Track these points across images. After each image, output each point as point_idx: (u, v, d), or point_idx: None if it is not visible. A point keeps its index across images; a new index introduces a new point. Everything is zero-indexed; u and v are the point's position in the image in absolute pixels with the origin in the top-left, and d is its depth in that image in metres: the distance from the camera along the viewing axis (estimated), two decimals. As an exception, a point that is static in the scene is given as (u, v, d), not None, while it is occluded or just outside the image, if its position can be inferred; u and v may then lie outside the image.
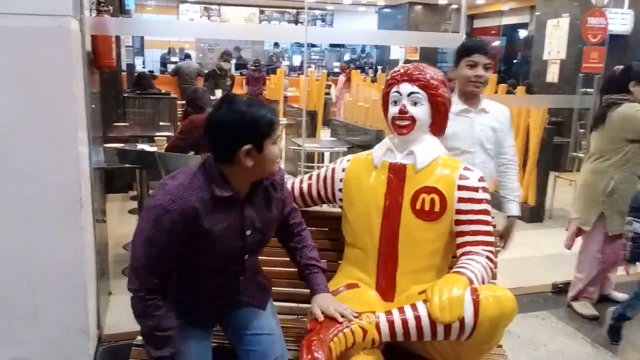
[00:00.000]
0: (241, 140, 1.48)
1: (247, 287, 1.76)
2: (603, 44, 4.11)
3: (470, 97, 2.48)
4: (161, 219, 1.45)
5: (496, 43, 14.51)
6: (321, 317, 1.65)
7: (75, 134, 2.17)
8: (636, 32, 7.56)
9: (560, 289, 3.60)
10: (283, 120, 7.39)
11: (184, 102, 5.85)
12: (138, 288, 1.51)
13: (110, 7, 2.98)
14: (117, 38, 5.24)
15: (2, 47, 2.03)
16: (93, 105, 2.56)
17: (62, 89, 2.12)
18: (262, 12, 15.74)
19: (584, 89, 3.87)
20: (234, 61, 14.26)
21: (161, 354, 1.54)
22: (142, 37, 13.48)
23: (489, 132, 2.50)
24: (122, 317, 2.76)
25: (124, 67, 7.16)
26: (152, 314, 1.53)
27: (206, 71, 9.95)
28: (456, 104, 2.40)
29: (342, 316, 1.64)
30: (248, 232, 1.61)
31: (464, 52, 2.47)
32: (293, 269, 2.16)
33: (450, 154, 2.06)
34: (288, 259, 2.02)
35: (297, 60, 16.24)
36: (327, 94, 9.79)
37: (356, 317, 1.65)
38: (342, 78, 10.35)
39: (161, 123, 5.82)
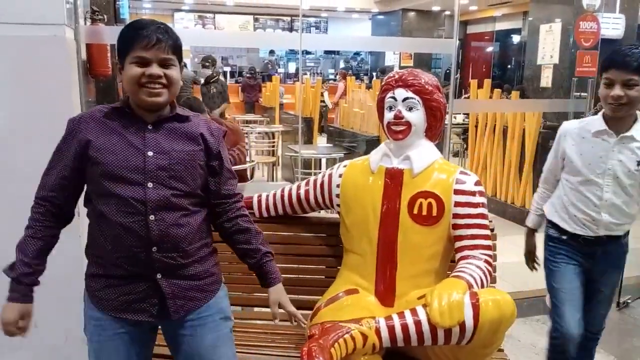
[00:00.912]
0: (117, 56, 1.52)
1: (181, 278, 1.56)
2: (596, 48, 4.13)
3: (614, 118, 2.03)
4: (66, 129, 1.55)
5: (489, 49, 14.60)
6: (277, 320, 1.71)
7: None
8: (628, 36, 7.61)
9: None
10: (279, 127, 7.40)
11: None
12: (35, 195, 1.59)
13: (105, 16, 2.98)
14: (112, 47, 5.24)
15: (-2, 56, 2.03)
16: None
17: (58, 97, 2.11)
18: (256, 19, 15.77)
19: (578, 93, 3.89)
20: (227, 68, 14.31)
21: (9, 271, 1.53)
22: (136, 46, 13.47)
23: (631, 165, 2.03)
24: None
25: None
26: (31, 223, 1.57)
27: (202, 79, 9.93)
28: (595, 123, 2.07)
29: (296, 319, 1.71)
30: (150, 153, 1.49)
31: (601, 67, 2.08)
32: (292, 276, 2.16)
33: (574, 181, 2.12)
34: (287, 265, 2.02)
35: (292, 68, 16.28)
36: (322, 101, 9.82)
37: (357, 323, 1.65)
38: (341, 85, 10.39)
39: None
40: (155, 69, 1.46)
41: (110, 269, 1.54)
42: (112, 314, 1.56)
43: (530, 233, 2.49)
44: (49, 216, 1.58)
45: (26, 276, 1.53)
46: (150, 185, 1.48)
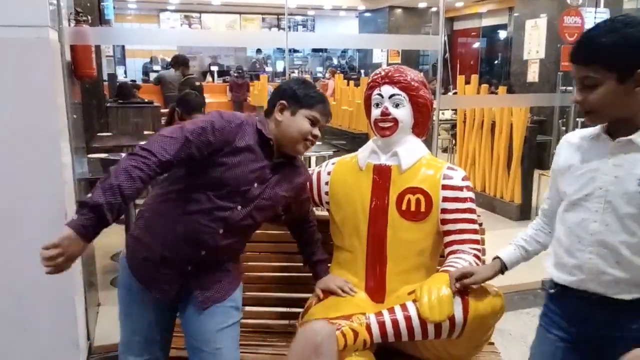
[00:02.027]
0: (284, 96, 1.72)
1: (210, 271, 1.69)
2: (581, 43, 4.18)
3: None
4: (213, 118, 1.62)
5: (476, 45, 14.67)
6: (321, 295, 1.83)
7: (57, 145, 2.15)
8: (613, 30, 7.69)
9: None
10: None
11: (166, 110, 5.83)
12: (147, 148, 1.51)
13: (89, 17, 2.96)
14: (97, 48, 5.21)
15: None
16: (75, 116, 2.54)
17: (42, 99, 2.10)
18: (263, 19, 15.71)
19: (564, 87, 3.92)
20: (215, 67, 14.23)
21: (96, 200, 1.40)
22: (123, 47, 13.39)
23: (630, 184, 1.31)
24: (112, 329, 2.71)
25: (105, 77, 7.11)
26: (137, 165, 1.46)
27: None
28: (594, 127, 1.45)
29: (342, 290, 1.81)
30: (256, 186, 1.66)
31: None
32: (284, 274, 2.17)
33: (561, 208, 1.47)
34: (279, 263, 2.03)
35: (280, 66, 16.25)
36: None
37: (351, 292, 1.77)
38: (331, 83, 10.39)
39: (145, 132, 5.78)
40: (318, 131, 1.73)
41: (151, 248, 1.65)
42: (141, 284, 1.68)
43: (494, 264, 1.65)
44: (151, 174, 1.50)
45: (106, 220, 1.41)
46: (239, 208, 1.64)
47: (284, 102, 1.70)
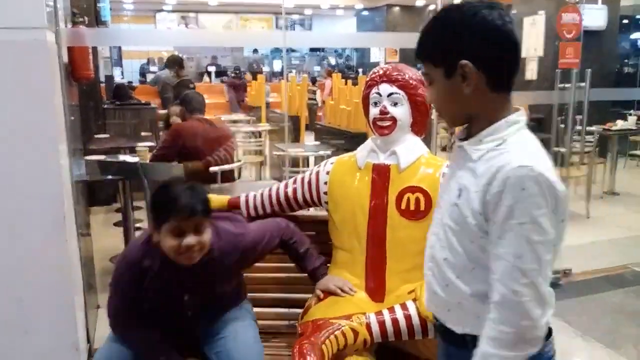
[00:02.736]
0: (151, 218, 1.68)
1: (212, 319, 1.88)
2: (578, 40, 4.16)
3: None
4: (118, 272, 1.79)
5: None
6: (321, 296, 1.83)
7: (55, 147, 2.14)
8: (610, 27, 7.69)
9: (553, 284, 3.63)
10: (266, 126, 7.38)
11: (165, 111, 5.82)
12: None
13: (86, 18, 2.95)
14: (94, 49, 5.19)
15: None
16: (72, 117, 2.53)
17: (40, 101, 2.09)
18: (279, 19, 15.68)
19: (562, 84, 3.91)
20: (213, 68, 14.22)
21: None
22: (119, 48, 13.38)
23: (452, 193, 1.18)
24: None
25: (102, 78, 7.10)
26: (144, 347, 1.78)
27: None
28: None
29: (342, 290, 1.79)
30: (186, 297, 1.76)
31: None
32: (284, 274, 2.17)
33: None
34: (278, 264, 2.04)
35: (277, 66, 16.25)
36: (312, 98, 9.81)
37: (351, 291, 1.77)
38: (328, 82, 10.39)
39: (142, 133, 5.77)
40: (190, 239, 1.60)
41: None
42: None
43: None
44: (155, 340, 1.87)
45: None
46: (189, 314, 1.83)
47: (153, 223, 1.67)
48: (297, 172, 5.49)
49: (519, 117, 1.12)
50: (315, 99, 10.12)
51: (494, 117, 1.11)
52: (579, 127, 4.34)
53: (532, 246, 1.02)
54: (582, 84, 3.83)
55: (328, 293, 1.82)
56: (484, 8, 1.08)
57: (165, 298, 1.75)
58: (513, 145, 1.09)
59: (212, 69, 14.26)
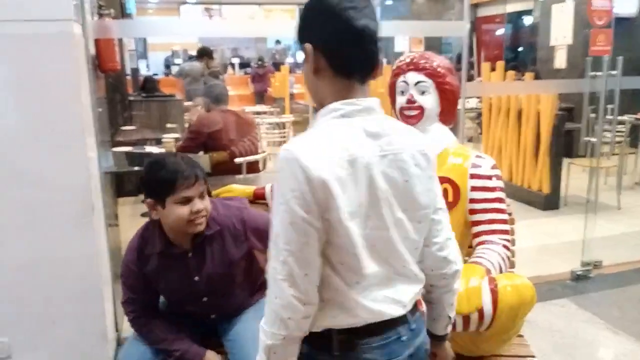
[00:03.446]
0: (146, 194, 1.67)
1: (228, 309, 1.89)
2: (609, 27, 4.04)
3: None
4: (123, 268, 1.82)
5: (501, 31, 14.40)
6: None
7: (83, 139, 2.16)
8: (643, 13, 7.46)
9: (579, 277, 3.56)
10: (289, 118, 7.38)
11: (189, 102, 5.85)
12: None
13: (112, 11, 2.97)
14: (120, 42, 5.24)
15: (7, 54, 2.03)
16: (100, 109, 2.55)
17: (68, 93, 2.11)
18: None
19: (594, 73, 3.80)
20: (237, 59, 14.25)
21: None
22: (145, 41, 13.51)
23: None
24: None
25: (128, 71, 7.17)
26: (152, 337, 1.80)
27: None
28: None
29: None
30: (196, 279, 1.75)
31: None
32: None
33: None
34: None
35: (301, 57, 16.21)
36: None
37: None
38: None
39: (168, 125, 5.82)
40: (199, 204, 1.65)
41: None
42: None
43: None
44: (157, 315, 1.92)
45: (195, 349, 1.83)
46: (205, 299, 1.84)
47: (149, 200, 1.67)
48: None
49: (341, 106, 1.09)
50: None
51: (331, 103, 1.11)
52: (610, 117, 4.22)
53: (285, 226, 1.03)
54: (613, 72, 3.71)
55: None
56: None
57: (174, 282, 1.76)
58: (308, 131, 1.10)
59: (235, 60, 14.29)
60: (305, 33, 1.12)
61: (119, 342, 2.59)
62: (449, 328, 1.35)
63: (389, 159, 1.09)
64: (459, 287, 1.31)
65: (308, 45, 1.10)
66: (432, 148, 1.76)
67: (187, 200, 1.63)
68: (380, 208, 1.08)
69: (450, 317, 1.32)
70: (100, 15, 2.69)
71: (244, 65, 14.05)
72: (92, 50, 2.48)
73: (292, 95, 9.63)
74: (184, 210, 1.62)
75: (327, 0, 1.08)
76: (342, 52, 1.09)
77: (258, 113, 8.33)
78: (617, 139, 5.55)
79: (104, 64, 2.65)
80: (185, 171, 1.62)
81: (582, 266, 3.62)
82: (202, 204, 1.65)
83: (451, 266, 1.24)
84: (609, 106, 4.13)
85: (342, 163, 1.03)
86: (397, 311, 1.13)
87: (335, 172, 1.02)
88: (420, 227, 1.16)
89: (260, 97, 11.58)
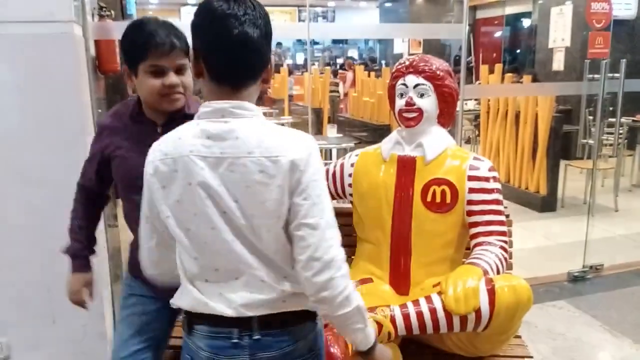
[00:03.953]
0: (122, 59, 1.52)
1: None
2: (608, 29, 4.06)
3: None
4: (96, 130, 1.68)
5: (499, 33, 14.43)
6: None
7: (83, 139, 2.17)
8: (641, 16, 7.48)
9: (576, 278, 3.58)
10: (288, 119, 7.39)
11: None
12: (78, 181, 1.73)
13: (112, 12, 2.98)
14: (120, 42, 5.24)
15: (7, 55, 2.04)
16: (99, 110, 2.56)
17: (68, 94, 2.12)
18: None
19: (591, 75, 3.82)
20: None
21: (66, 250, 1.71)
22: (145, 42, 13.50)
23: None
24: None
25: (128, 72, 7.16)
26: (74, 206, 1.72)
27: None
28: None
29: None
30: None
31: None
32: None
33: None
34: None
35: (300, 59, 16.24)
36: (335, 91, 9.78)
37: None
38: (350, 75, 10.36)
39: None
40: (173, 78, 1.45)
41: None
42: (142, 280, 1.59)
43: None
44: (90, 201, 1.73)
45: (81, 250, 1.70)
46: None
47: (124, 66, 1.49)
48: (320, 165, 5.49)
49: (200, 108, 1.16)
50: (337, 91, 10.10)
51: None
52: (612, 119, 4.23)
53: None
54: (614, 75, 3.73)
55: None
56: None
57: (133, 158, 1.48)
58: None
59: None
60: (192, 38, 1.16)
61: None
62: (367, 343, 1.25)
63: (228, 162, 1.11)
64: (347, 315, 1.17)
65: (192, 50, 1.16)
66: (431, 150, 1.78)
67: (161, 71, 1.44)
68: (205, 207, 1.11)
69: (357, 338, 1.23)
70: (101, 17, 2.69)
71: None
72: (92, 52, 2.49)
73: (290, 97, 9.63)
74: (155, 82, 1.44)
75: (209, 7, 1.11)
76: (214, 58, 1.13)
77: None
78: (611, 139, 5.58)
79: (104, 65, 2.65)
80: (160, 36, 1.42)
81: (584, 269, 3.63)
82: (179, 79, 1.46)
83: (318, 291, 1.13)
84: (613, 108, 4.14)
85: (166, 160, 1.13)
86: (224, 310, 1.15)
87: (157, 167, 1.14)
88: (270, 236, 1.13)
89: (259, 98, 11.56)
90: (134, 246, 1.61)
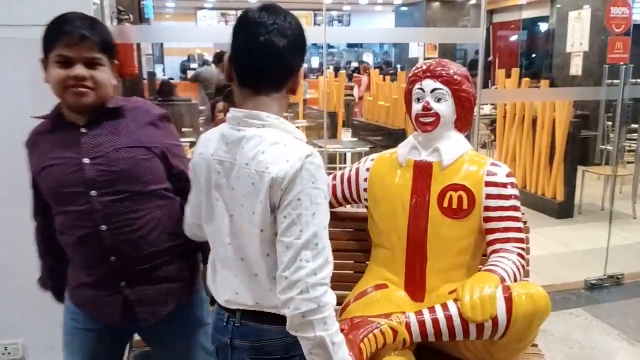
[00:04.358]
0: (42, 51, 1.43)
1: (147, 283, 1.51)
2: (627, 34, 4.01)
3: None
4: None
5: (516, 38, 14.33)
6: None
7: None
8: (662, 21, 7.38)
9: (594, 286, 3.52)
10: (303, 123, 7.40)
11: (204, 107, 5.89)
12: None
13: (131, 16, 3.01)
14: (138, 46, 5.30)
15: (24, 58, 2.06)
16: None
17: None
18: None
19: (611, 80, 3.78)
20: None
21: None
22: (162, 46, 13.63)
23: None
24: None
25: (144, 75, 7.24)
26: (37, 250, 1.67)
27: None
28: None
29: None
30: (86, 161, 1.41)
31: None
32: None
33: None
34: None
35: (315, 63, 16.27)
36: (350, 95, 9.78)
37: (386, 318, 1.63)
38: (365, 79, 10.36)
39: (184, 129, 5.87)
40: (80, 70, 1.36)
41: (81, 272, 1.54)
42: (85, 310, 1.57)
43: None
44: (46, 240, 1.64)
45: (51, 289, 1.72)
46: (94, 193, 1.41)
47: (41, 57, 1.43)
48: (335, 169, 5.48)
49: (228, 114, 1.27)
50: (352, 95, 10.10)
51: None
52: (635, 126, 4.17)
53: None
54: (637, 80, 3.68)
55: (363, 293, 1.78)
56: (257, 9, 1.20)
57: (60, 167, 1.42)
58: None
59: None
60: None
61: (132, 345, 2.61)
62: None
63: (237, 169, 1.20)
64: (307, 342, 1.17)
65: (227, 56, 1.25)
66: (448, 155, 1.77)
67: (68, 62, 1.36)
68: (212, 200, 1.27)
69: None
70: (120, 21, 2.73)
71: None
72: (111, 55, 2.52)
73: (305, 101, 9.66)
74: (60, 73, 1.36)
75: (245, 15, 1.20)
76: (239, 61, 1.22)
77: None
78: (633, 146, 5.50)
79: (123, 68, 2.68)
80: (71, 27, 1.36)
81: (604, 277, 3.58)
82: (88, 73, 1.37)
83: (281, 306, 1.17)
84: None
85: (199, 159, 1.29)
86: (217, 296, 1.34)
87: (193, 164, 1.31)
88: (255, 245, 1.22)
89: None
90: (78, 269, 1.53)
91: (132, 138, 1.46)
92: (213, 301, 1.39)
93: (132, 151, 1.45)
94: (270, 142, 1.18)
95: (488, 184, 1.75)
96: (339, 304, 1.89)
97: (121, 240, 1.44)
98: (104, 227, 1.43)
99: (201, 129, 5.82)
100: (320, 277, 1.16)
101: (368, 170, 1.94)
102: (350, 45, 17.33)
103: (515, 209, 1.77)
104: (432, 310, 1.61)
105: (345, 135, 6.15)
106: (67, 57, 1.36)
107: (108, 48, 1.43)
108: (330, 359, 1.18)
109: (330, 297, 1.18)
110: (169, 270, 1.54)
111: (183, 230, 1.51)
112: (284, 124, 1.23)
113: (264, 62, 1.18)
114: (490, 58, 11.86)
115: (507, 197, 1.75)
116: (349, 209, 2.21)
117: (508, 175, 1.78)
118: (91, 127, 1.44)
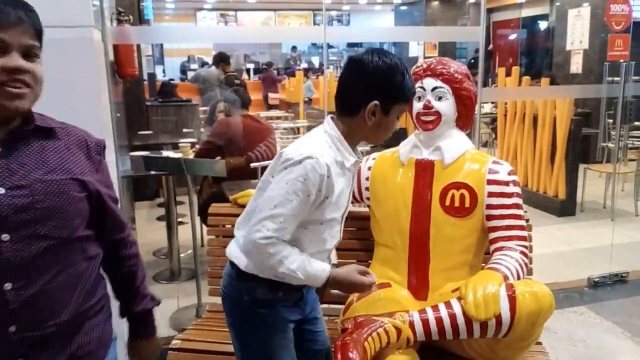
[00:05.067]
0: None
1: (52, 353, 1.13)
2: (627, 31, 4.00)
3: None
4: None
5: (516, 36, 14.32)
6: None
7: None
8: (661, 17, 7.37)
9: (597, 284, 3.52)
10: (304, 123, 7.40)
11: (205, 108, 5.89)
12: None
13: (131, 17, 3.01)
14: (138, 47, 5.30)
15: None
16: (118, 114, 2.58)
17: (87, 98, 2.14)
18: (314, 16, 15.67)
19: (611, 78, 3.77)
20: (251, 65, 14.37)
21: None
22: (161, 46, 13.63)
23: None
24: (157, 323, 2.76)
25: (145, 76, 7.25)
26: None
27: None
28: None
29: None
30: (1, 191, 1.03)
31: None
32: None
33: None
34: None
35: (315, 62, 16.28)
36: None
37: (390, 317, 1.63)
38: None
39: (184, 130, 5.87)
40: (20, 60, 1.04)
41: None
42: None
43: None
44: None
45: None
46: (5, 237, 1.03)
47: None
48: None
49: None
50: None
51: None
52: (637, 123, 4.16)
53: None
54: (636, 78, 3.67)
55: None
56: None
57: None
58: None
59: (250, 66, 14.38)
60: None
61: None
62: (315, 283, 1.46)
63: None
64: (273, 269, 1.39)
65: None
66: (449, 154, 1.77)
67: (4, 49, 1.03)
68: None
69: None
70: (119, 22, 2.73)
71: (258, 71, 14.12)
72: (111, 56, 2.52)
73: (310, 100, 9.66)
74: None
75: (357, 54, 1.48)
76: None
77: (270, 118, 8.36)
78: (635, 143, 5.50)
79: (123, 69, 2.69)
80: (4, 5, 1.04)
81: (607, 275, 3.57)
82: (28, 65, 1.05)
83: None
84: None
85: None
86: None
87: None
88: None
89: (266, 99, 11.69)
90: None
91: (66, 168, 1.13)
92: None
93: (65, 184, 1.11)
94: (305, 137, 1.55)
95: (490, 182, 1.75)
96: (342, 303, 1.90)
97: (30, 304, 1.06)
98: (7, 286, 1.03)
99: (201, 130, 5.81)
100: (266, 232, 1.39)
101: (369, 169, 1.94)
102: (350, 45, 17.30)
103: (518, 206, 1.77)
104: (435, 308, 1.61)
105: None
106: (3, 41, 1.02)
107: (41, 37, 1.12)
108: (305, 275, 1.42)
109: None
110: (81, 339, 1.21)
111: (102, 285, 1.28)
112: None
113: (340, 95, 1.51)
114: (491, 47, 11.85)
115: (509, 195, 1.75)
116: (350, 207, 2.21)
117: (510, 173, 1.78)
118: (8, 146, 1.08)
